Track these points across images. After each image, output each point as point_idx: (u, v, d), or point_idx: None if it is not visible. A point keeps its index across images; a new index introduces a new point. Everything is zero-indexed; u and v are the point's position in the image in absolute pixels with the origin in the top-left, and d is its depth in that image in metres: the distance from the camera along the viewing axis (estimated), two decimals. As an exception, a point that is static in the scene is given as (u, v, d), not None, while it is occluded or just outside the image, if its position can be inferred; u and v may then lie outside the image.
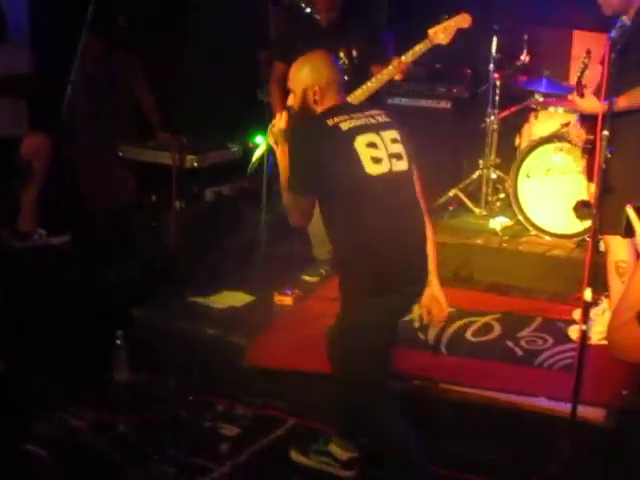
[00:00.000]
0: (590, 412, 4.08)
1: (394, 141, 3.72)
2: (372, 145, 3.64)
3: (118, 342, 5.15)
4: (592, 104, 4.47)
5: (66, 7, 6.68)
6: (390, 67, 5.23)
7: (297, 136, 3.75)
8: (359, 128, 3.67)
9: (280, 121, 3.81)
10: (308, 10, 5.71)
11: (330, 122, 3.67)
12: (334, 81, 3.82)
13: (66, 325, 5.24)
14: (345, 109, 3.80)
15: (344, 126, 3.65)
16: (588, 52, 4.58)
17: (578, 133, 4.80)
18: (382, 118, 3.81)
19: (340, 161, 3.62)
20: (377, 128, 3.73)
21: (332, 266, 6.00)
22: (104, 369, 5.18)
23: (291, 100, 3.87)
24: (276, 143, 3.83)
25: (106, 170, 6.60)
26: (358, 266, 3.70)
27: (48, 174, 5.95)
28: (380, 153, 3.65)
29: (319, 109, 3.80)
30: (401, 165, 3.71)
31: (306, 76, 3.80)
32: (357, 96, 5.30)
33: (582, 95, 4.58)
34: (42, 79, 6.67)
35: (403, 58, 5.23)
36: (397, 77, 5.29)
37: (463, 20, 5.15)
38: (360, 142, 3.62)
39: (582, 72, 4.57)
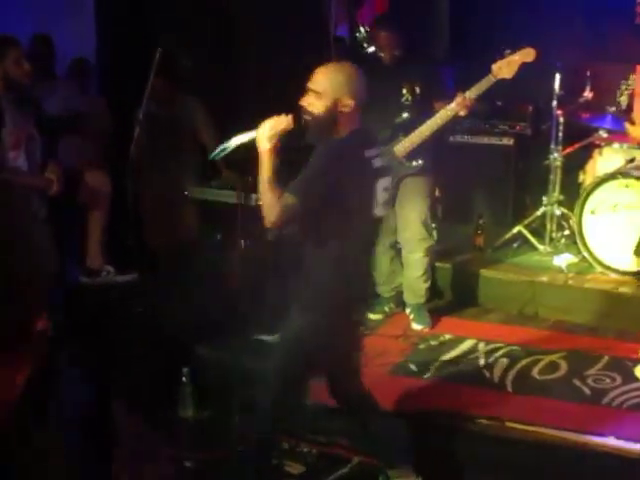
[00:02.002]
0: (661, 452, 4.02)
1: (388, 189, 3.83)
2: (385, 189, 3.75)
3: (184, 379, 5.20)
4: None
5: (133, 49, 6.84)
6: (454, 104, 5.24)
7: (331, 151, 3.64)
8: (382, 170, 3.75)
9: (283, 123, 3.63)
10: (371, 49, 5.75)
11: (366, 153, 3.67)
12: (363, 103, 3.70)
13: (132, 362, 5.31)
14: (373, 140, 3.84)
15: (376, 163, 3.70)
16: None
17: None
18: (389, 160, 3.94)
19: (361, 195, 3.67)
20: (389, 172, 3.86)
21: (395, 303, 6.01)
22: (169, 406, 5.23)
23: (312, 102, 3.65)
24: (270, 141, 3.63)
25: (172, 209, 6.69)
26: (337, 289, 3.78)
27: (110, 212, 6.05)
28: (383, 198, 3.75)
29: (343, 126, 3.66)
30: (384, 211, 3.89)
31: (344, 84, 3.63)
32: (422, 132, 5.33)
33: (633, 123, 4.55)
34: (111, 118, 6.83)
35: (467, 94, 5.23)
36: (462, 113, 5.31)
37: (527, 54, 5.14)
38: (380, 185, 3.71)
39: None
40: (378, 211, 3.75)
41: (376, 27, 5.67)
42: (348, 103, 3.61)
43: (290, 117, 3.64)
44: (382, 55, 5.56)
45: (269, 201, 3.59)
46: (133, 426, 4.98)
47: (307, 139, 3.72)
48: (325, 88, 3.62)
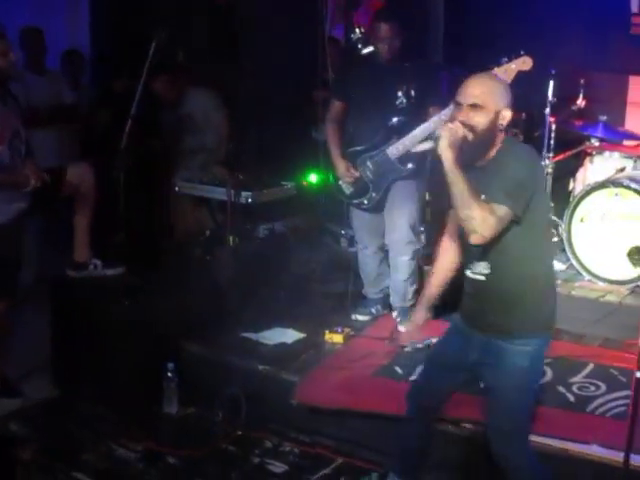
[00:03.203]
0: (643, 461, 4.02)
1: None
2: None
3: (169, 375, 5.19)
4: None
5: (129, 41, 6.84)
6: (448, 109, 5.24)
7: (524, 159, 3.56)
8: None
9: (460, 130, 3.48)
10: (365, 50, 5.74)
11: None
12: None
13: (117, 356, 5.29)
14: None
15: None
16: None
17: None
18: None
19: (543, 198, 3.67)
20: None
21: (382, 305, 6.01)
22: (154, 401, 5.22)
23: (472, 117, 3.51)
24: (453, 149, 3.43)
25: (167, 204, 6.71)
26: (547, 304, 3.78)
27: (97, 204, 6.04)
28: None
29: (499, 138, 3.59)
30: None
31: (504, 96, 3.58)
32: (415, 136, 5.32)
33: None
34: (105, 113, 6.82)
35: (464, 100, 5.24)
36: None
37: (524, 63, 5.13)
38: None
39: None
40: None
41: (376, 20, 5.63)
42: (507, 115, 3.56)
43: (461, 125, 3.49)
44: (381, 49, 5.51)
45: (480, 214, 3.38)
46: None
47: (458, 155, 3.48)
48: (486, 101, 3.52)
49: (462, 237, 3.69)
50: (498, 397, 3.78)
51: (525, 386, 3.76)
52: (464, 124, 3.49)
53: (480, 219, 3.37)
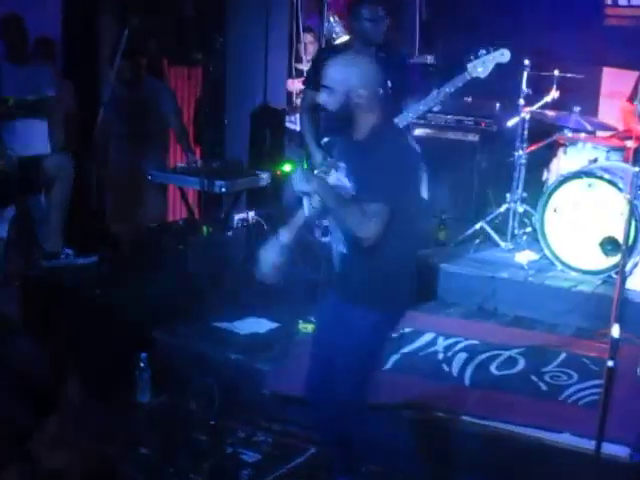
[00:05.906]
0: (614, 450, 4.04)
1: None
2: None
3: (141, 364, 5.17)
4: None
5: (99, 30, 6.78)
6: (428, 98, 5.26)
7: (390, 146, 3.65)
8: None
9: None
10: (340, 40, 5.71)
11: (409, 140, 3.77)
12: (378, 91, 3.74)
13: (89, 346, 5.26)
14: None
15: (416, 147, 3.80)
16: None
17: None
18: None
19: (416, 181, 3.76)
20: None
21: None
22: (126, 391, 5.19)
23: (324, 97, 3.70)
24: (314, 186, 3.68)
25: (136, 192, 6.66)
26: (404, 282, 3.83)
27: (73, 194, 5.99)
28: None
29: (364, 115, 3.65)
30: None
31: (356, 77, 3.64)
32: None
33: None
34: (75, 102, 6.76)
35: (441, 90, 5.25)
36: (435, 108, 5.32)
37: (502, 56, 5.18)
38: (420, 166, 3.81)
39: None
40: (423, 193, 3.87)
41: (358, 5, 5.53)
42: (363, 93, 3.63)
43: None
44: (372, 31, 5.41)
45: (356, 219, 3.55)
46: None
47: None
48: (335, 83, 3.66)
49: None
50: (338, 364, 3.86)
51: (361, 352, 3.81)
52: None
53: (357, 225, 3.55)
